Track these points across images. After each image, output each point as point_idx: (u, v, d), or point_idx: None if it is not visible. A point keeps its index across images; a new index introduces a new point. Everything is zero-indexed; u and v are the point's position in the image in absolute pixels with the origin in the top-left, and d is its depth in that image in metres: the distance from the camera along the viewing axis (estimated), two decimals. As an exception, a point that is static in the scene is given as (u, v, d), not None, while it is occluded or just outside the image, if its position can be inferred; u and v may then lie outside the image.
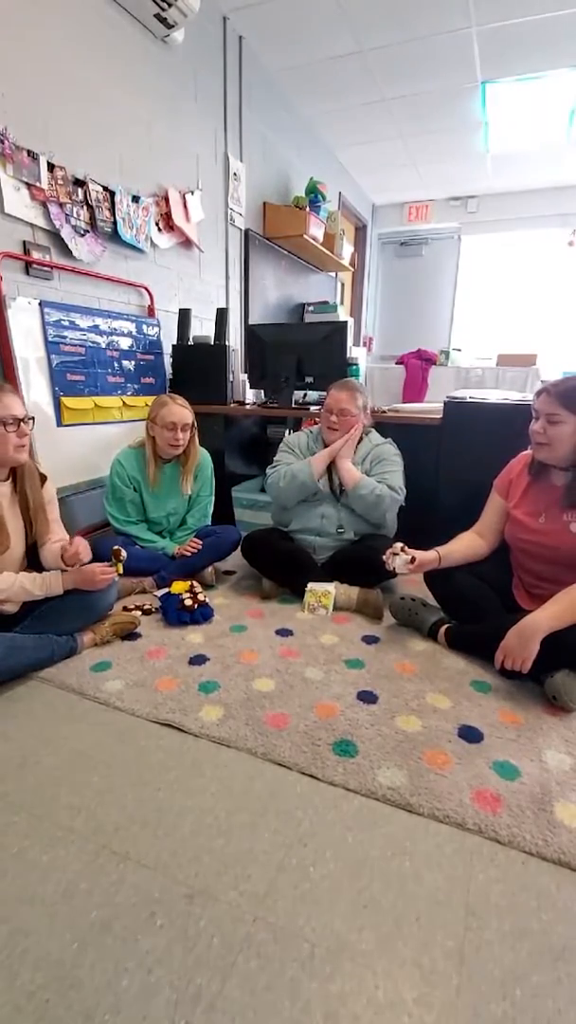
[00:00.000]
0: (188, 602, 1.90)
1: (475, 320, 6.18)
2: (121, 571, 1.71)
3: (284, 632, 1.85)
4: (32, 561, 1.73)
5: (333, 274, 5.23)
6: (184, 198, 2.92)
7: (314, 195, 3.96)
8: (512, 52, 3.29)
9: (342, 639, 1.81)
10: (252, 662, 1.66)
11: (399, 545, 1.72)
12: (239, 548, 2.24)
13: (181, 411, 2.09)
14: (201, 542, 2.17)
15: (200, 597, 1.94)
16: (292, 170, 4.14)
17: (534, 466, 1.66)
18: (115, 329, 2.51)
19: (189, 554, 2.14)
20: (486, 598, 1.72)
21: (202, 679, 1.56)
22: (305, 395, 2.94)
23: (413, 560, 1.69)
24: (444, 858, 1.01)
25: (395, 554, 1.70)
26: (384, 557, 1.72)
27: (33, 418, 1.61)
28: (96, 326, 2.40)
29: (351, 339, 2.86)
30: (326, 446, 2.18)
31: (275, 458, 2.25)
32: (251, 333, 2.84)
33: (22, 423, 1.55)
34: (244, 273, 3.64)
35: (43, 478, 1.73)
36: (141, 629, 1.84)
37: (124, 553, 1.72)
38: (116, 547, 1.72)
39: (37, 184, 2.07)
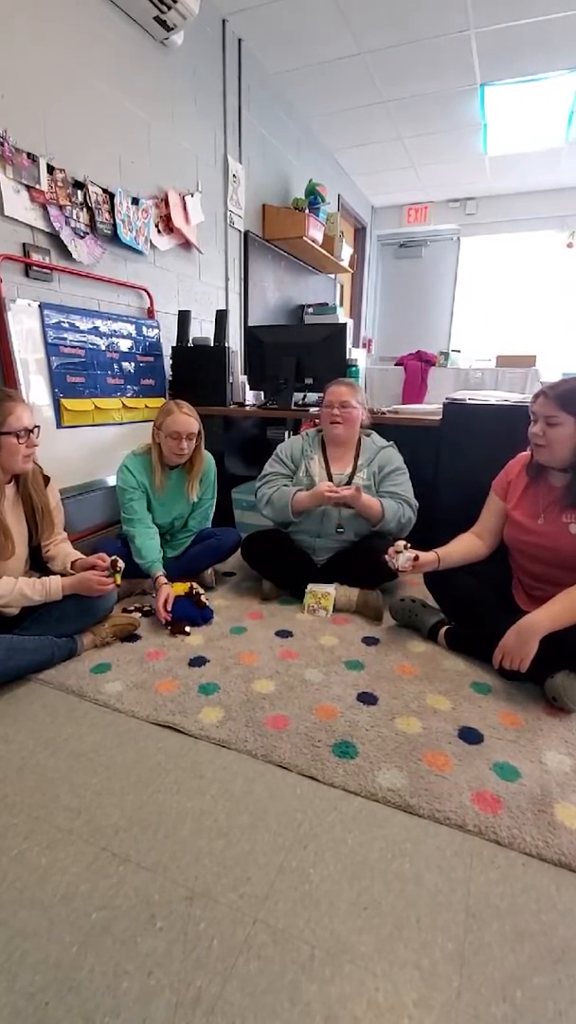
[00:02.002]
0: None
1: (474, 321, 6.19)
2: (119, 581, 1.70)
3: (284, 633, 1.85)
4: (35, 563, 1.73)
5: (332, 276, 5.23)
6: (184, 200, 2.92)
7: (313, 197, 3.97)
8: (511, 54, 3.30)
9: (342, 640, 1.81)
10: (252, 664, 1.66)
11: (402, 543, 1.72)
12: (239, 550, 2.24)
13: (187, 420, 2.05)
14: (169, 617, 1.88)
15: (201, 599, 1.94)
16: (291, 172, 4.15)
17: (532, 467, 1.67)
18: (115, 331, 2.51)
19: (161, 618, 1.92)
20: (485, 600, 1.72)
21: (202, 681, 1.55)
22: (305, 396, 2.94)
23: (416, 558, 1.69)
24: (444, 860, 1.01)
25: (398, 552, 1.70)
26: (387, 555, 1.72)
27: (39, 427, 1.61)
28: (96, 328, 2.40)
29: (350, 340, 2.86)
30: (326, 442, 2.19)
31: (265, 466, 2.25)
32: (251, 335, 2.84)
33: (31, 434, 1.57)
34: (243, 275, 3.65)
35: (46, 480, 1.74)
36: (141, 631, 1.84)
37: (121, 564, 1.71)
38: (114, 558, 1.70)
39: (37, 186, 2.07)
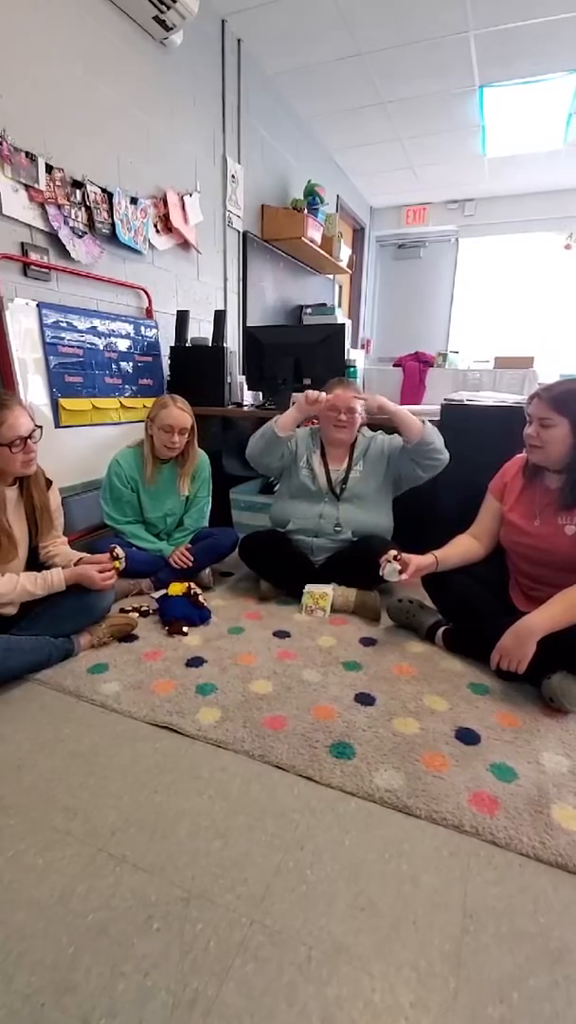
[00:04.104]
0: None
1: (473, 322, 6.20)
2: (120, 566, 1.71)
3: (282, 634, 1.85)
4: (32, 564, 1.73)
5: (331, 276, 5.23)
6: (182, 200, 2.92)
7: (312, 198, 3.97)
8: (510, 56, 3.30)
9: (340, 641, 1.81)
10: (250, 664, 1.65)
11: (392, 553, 1.72)
12: (237, 550, 2.23)
13: (180, 415, 2.09)
14: (192, 557, 2.14)
15: (198, 599, 1.94)
16: (290, 172, 4.15)
17: (528, 469, 1.67)
18: (113, 331, 2.51)
19: (180, 567, 2.12)
20: (483, 600, 1.72)
21: (199, 681, 1.55)
22: (303, 397, 2.94)
23: (403, 571, 1.69)
24: (441, 860, 1.01)
25: (388, 561, 1.70)
26: (380, 561, 1.72)
27: (40, 427, 1.58)
28: (94, 328, 2.40)
29: (349, 341, 2.86)
30: (326, 443, 2.18)
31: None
32: (249, 335, 2.84)
33: (28, 440, 1.54)
34: (242, 275, 3.65)
35: (49, 483, 1.73)
36: (138, 631, 1.83)
37: (121, 552, 1.73)
38: (113, 545, 1.74)
39: (35, 186, 2.07)
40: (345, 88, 3.74)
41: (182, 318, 2.87)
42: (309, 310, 4.42)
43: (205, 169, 3.14)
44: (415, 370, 4.22)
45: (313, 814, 1.10)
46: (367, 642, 1.81)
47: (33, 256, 2.12)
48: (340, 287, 5.79)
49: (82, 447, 2.38)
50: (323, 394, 2.04)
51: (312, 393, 2.03)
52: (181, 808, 1.11)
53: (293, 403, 2.14)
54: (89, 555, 1.74)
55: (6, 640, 1.51)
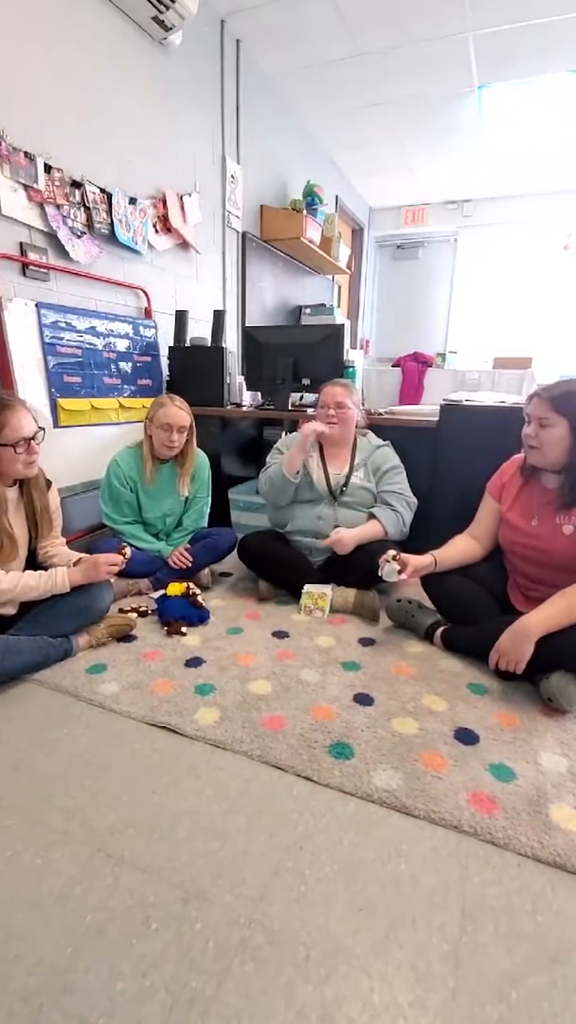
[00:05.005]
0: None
1: (471, 323, 6.21)
2: (125, 558, 1.73)
3: (280, 634, 1.85)
4: (31, 564, 1.73)
5: (330, 277, 5.24)
6: (181, 200, 2.92)
7: (311, 198, 3.97)
8: (508, 56, 3.31)
9: (338, 641, 1.81)
10: (248, 664, 1.65)
11: (391, 553, 1.72)
12: (235, 550, 2.24)
13: (177, 413, 2.09)
14: (191, 557, 2.15)
15: (197, 599, 1.94)
16: (289, 173, 4.15)
17: (526, 469, 1.67)
18: (112, 331, 2.51)
19: (179, 567, 2.13)
20: (481, 600, 1.72)
21: (198, 681, 1.55)
22: (302, 397, 2.94)
23: (402, 571, 1.69)
24: (440, 861, 1.01)
25: (387, 561, 1.70)
26: (379, 561, 1.72)
27: (43, 429, 1.58)
28: (93, 328, 2.40)
29: (348, 341, 2.86)
30: (322, 442, 2.18)
31: (267, 460, 2.26)
32: (248, 335, 2.84)
33: (32, 441, 1.54)
34: (241, 275, 3.65)
35: (48, 484, 1.73)
36: (137, 631, 1.83)
37: (129, 550, 1.75)
38: (123, 545, 1.77)
39: (34, 186, 2.07)
40: (344, 88, 3.74)
41: (181, 318, 2.87)
42: (308, 310, 4.42)
43: (204, 169, 3.14)
44: (414, 370, 4.22)
45: (312, 814, 1.10)
46: (366, 642, 1.81)
47: (32, 256, 2.12)
48: (339, 287, 5.79)
49: (81, 447, 2.38)
50: (315, 424, 2.10)
51: (307, 427, 2.08)
52: (179, 808, 1.11)
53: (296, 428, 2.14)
54: (88, 555, 1.73)
55: (5, 641, 1.51)
